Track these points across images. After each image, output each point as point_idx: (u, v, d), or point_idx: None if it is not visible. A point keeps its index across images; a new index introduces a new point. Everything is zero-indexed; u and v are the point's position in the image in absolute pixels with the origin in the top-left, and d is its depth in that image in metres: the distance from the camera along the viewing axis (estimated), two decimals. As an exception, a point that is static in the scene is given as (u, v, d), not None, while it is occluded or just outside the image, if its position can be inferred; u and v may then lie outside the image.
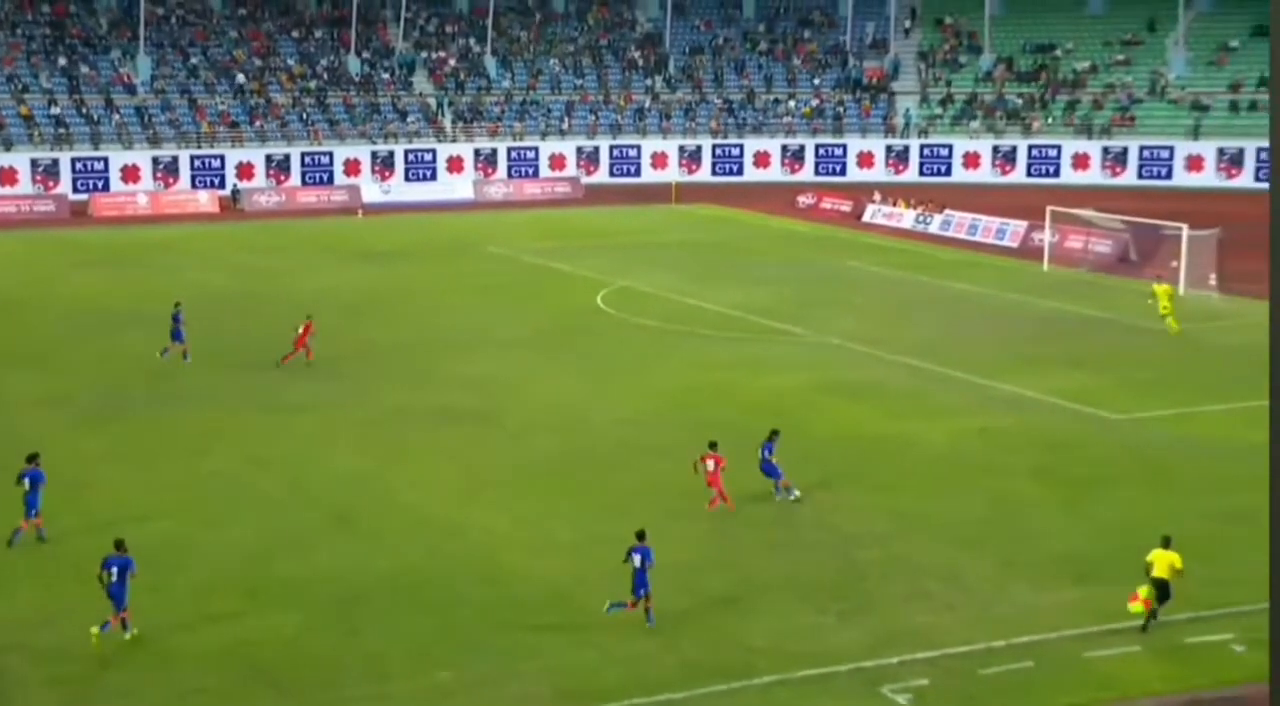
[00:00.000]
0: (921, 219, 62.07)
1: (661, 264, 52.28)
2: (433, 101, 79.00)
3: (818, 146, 78.59)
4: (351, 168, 73.57)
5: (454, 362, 36.81)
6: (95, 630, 19.43)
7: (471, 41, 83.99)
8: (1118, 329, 40.86)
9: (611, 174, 77.75)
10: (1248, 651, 19.55)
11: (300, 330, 36.02)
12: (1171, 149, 73.77)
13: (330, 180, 73.04)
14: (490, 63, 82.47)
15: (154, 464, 28.09)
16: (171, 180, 70.93)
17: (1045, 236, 53.23)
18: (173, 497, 25.89)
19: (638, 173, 77.93)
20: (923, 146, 77.82)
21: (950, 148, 77.42)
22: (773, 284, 48.07)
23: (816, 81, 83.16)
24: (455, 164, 75.32)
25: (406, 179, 74.21)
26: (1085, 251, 52.60)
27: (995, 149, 76.69)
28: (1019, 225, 57.48)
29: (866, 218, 64.82)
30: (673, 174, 76.58)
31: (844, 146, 78.51)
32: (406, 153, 74.71)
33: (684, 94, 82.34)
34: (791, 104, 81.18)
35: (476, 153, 75.91)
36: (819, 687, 18.58)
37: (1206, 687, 18.65)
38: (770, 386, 34.02)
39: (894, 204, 64.63)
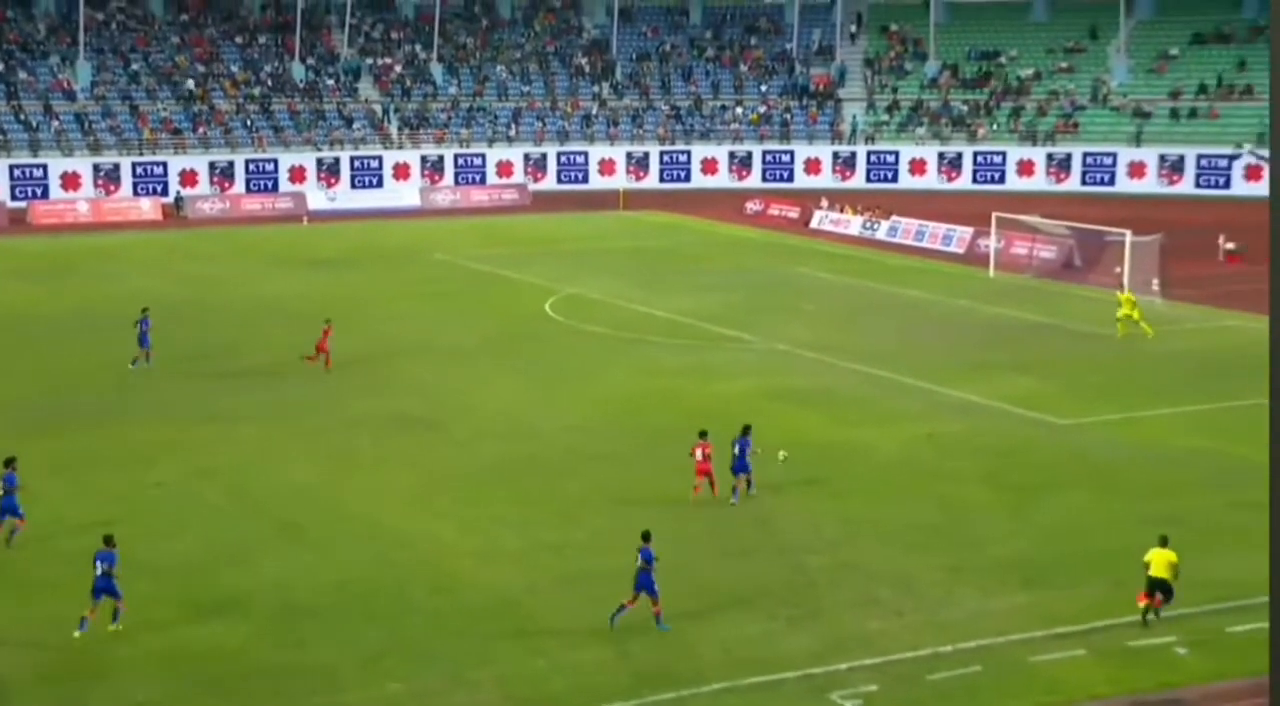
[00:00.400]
0: (868, 225, 62.50)
1: (610, 271, 52.34)
2: (379, 108, 78.71)
3: (765, 153, 78.96)
4: (297, 175, 73.18)
5: (402, 370, 36.69)
6: (112, 627, 20.17)
7: (417, 48, 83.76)
8: (1063, 334, 41.32)
9: (559, 180, 77.76)
10: (1190, 654, 19.85)
11: (321, 334, 36.39)
12: (1114, 155, 74.71)
13: (275, 187, 72.60)
14: (436, 69, 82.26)
15: (97, 475, 27.83)
16: (113, 187, 70.27)
17: (991, 242, 53.75)
18: (116, 509, 25.65)
19: (585, 179, 77.99)
20: (869, 153, 78.37)
21: (896, 154, 78.01)
22: (721, 290, 48.25)
23: (763, 88, 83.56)
24: (401, 171, 75.08)
25: (352, 186, 73.90)
26: (1030, 257, 53.17)
27: (941, 155, 77.36)
28: (965, 231, 58.01)
29: (814, 224, 65.19)
30: (620, 180, 76.69)
31: (791, 153, 78.93)
32: (352, 160, 74.38)
33: (631, 100, 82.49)
34: (739, 111, 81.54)
35: (423, 159, 75.69)
36: (768, 694, 18.70)
37: (1150, 690, 18.91)
38: (719, 393, 34.14)
39: (841, 210, 65.04)
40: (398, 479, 27.65)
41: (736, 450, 26.05)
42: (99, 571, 20.27)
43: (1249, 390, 34.14)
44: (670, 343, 39.99)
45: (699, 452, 26.03)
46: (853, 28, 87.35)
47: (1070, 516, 25.41)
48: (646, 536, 20.89)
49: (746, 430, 26.29)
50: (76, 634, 20.01)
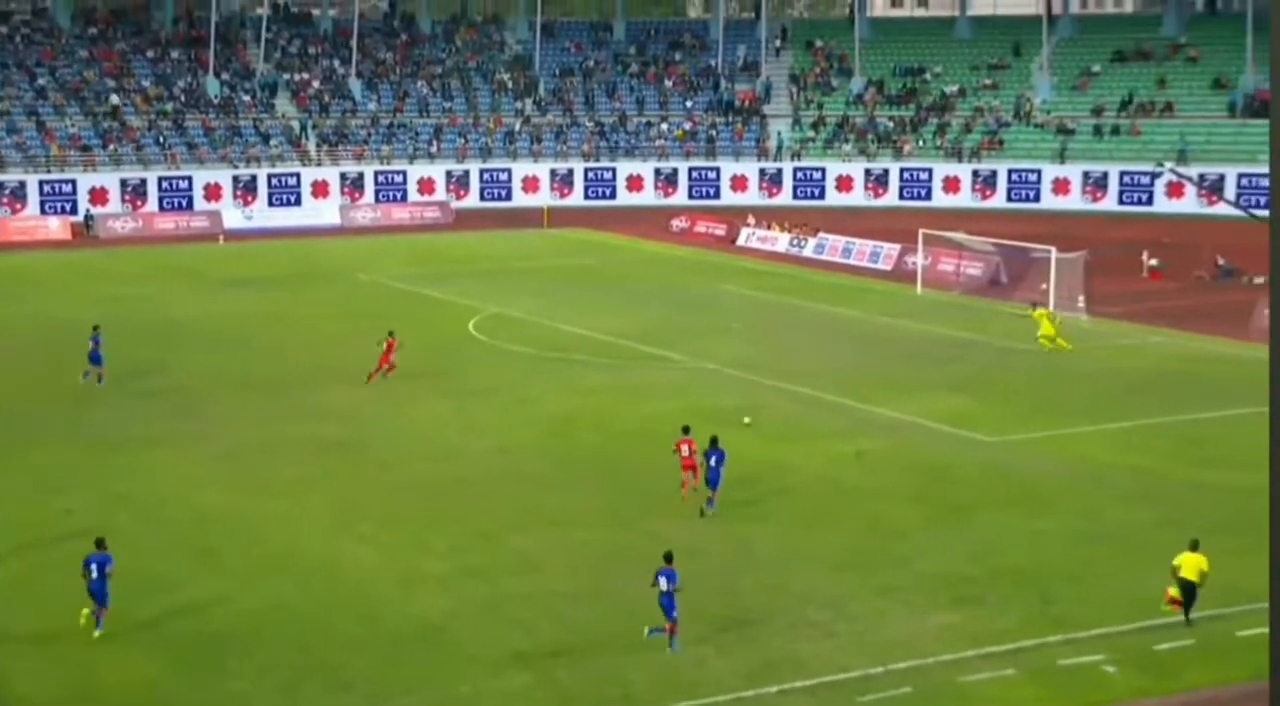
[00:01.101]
0: (796, 242, 62.94)
1: (534, 289, 52.28)
2: (296, 124, 78.13)
3: (691, 170, 79.30)
4: (212, 192, 72.42)
5: (321, 392, 36.39)
6: (85, 612, 21.01)
7: (335, 63, 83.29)
8: (990, 351, 41.83)
9: (482, 198, 77.57)
10: (1118, 672, 20.12)
11: (384, 346, 36.83)
12: (1039, 172, 75.81)
13: (190, 205, 71.79)
14: (355, 85, 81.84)
15: (3, 503, 27.28)
16: (19, 206, 69.12)
17: (918, 259, 54.32)
18: (24, 537, 25.17)
19: (509, 197, 77.88)
20: (796, 169, 78.95)
21: (823, 171, 78.67)
22: (647, 309, 48.34)
23: (689, 104, 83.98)
24: (320, 188, 74.54)
25: (270, 204, 73.24)
26: (957, 274, 53.80)
27: (868, 172, 78.11)
28: (892, 248, 58.59)
29: (741, 241, 65.54)
30: (544, 198, 76.68)
31: (717, 170, 79.34)
32: (270, 177, 73.74)
33: (555, 117, 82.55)
34: (664, 127, 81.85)
35: (342, 177, 75.21)
36: (699, 718, 18.70)
37: (1080, 707, 19.15)
38: (646, 413, 34.18)
39: (768, 227, 65.45)
40: (317, 503, 27.38)
41: (713, 462, 26.44)
42: (93, 575, 21.04)
43: (1174, 407, 34.79)
44: (596, 362, 39.99)
45: (684, 449, 26.92)
46: (777, 42, 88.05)
47: (998, 534, 25.69)
48: (669, 557, 21.08)
49: (715, 441, 26.64)
50: (96, 633, 20.87)
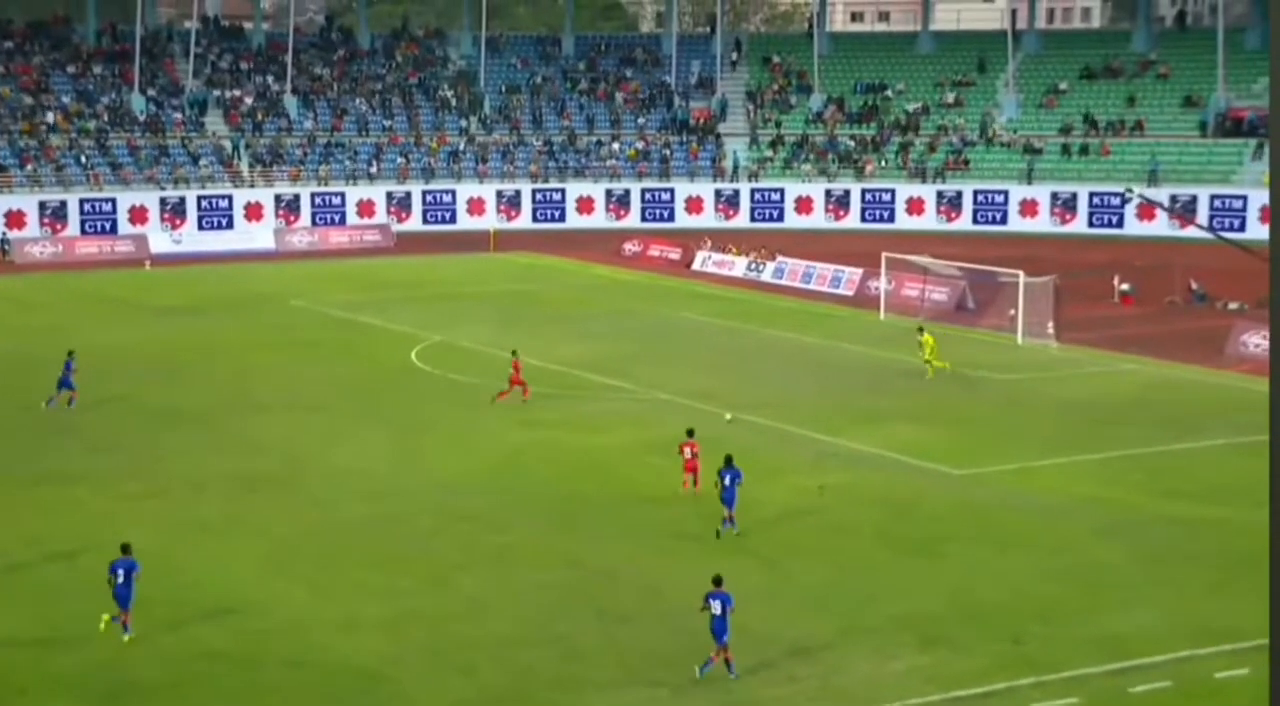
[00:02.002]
0: (754, 266, 63.19)
1: (480, 317, 52.19)
2: (228, 143, 77.78)
3: (644, 191, 79.52)
4: (138, 215, 71.90)
5: (253, 426, 36.13)
6: (106, 617, 22.25)
7: (269, 79, 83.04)
8: (957, 381, 42.05)
9: (425, 221, 77.45)
10: (1094, 713, 20.19)
11: (512, 368, 37.96)
12: (1006, 193, 76.50)
13: (114, 229, 71.23)
14: (290, 102, 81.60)
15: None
16: (-68, 229, 68.37)
17: (881, 284, 54.63)
18: (-65, 583, 24.78)
19: (453, 219, 77.80)
20: (753, 190, 79.33)
21: (782, 192, 79.09)
22: (599, 337, 48.34)
23: (641, 122, 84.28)
24: (254, 211, 74.18)
25: (200, 227, 72.81)
26: (922, 299, 54.13)
27: (828, 193, 78.57)
28: (854, 273, 58.90)
29: (696, 266, 65.72)
30: (490, 220, 76.65)
31: (671, 191, 79.61)
32: (199, 199, 73.33)
33: (501, 135, 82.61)
34: (615, 146, 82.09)
35: (277, 199, 74.90)
36: (655, 768, 18.60)
37: (1054, 752, 19.17)
38: (598, 446, 34.14)
39: (725, 251, 65.68)
40: (249, 544, 27.13)
41: (726, 481, 27.44)
42: (119, 579, 22.30)
43: (1147, 437, 35.09)
44: (545, 393, 39.91)
45: (687, 451, 29.68)
46: (733, 55, 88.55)
47: (967, 571, 25.78)
48: (718, 580, 21.46)
49: (730, 460, 27.74)
50: (126, 638, 22.17)
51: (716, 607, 21.11)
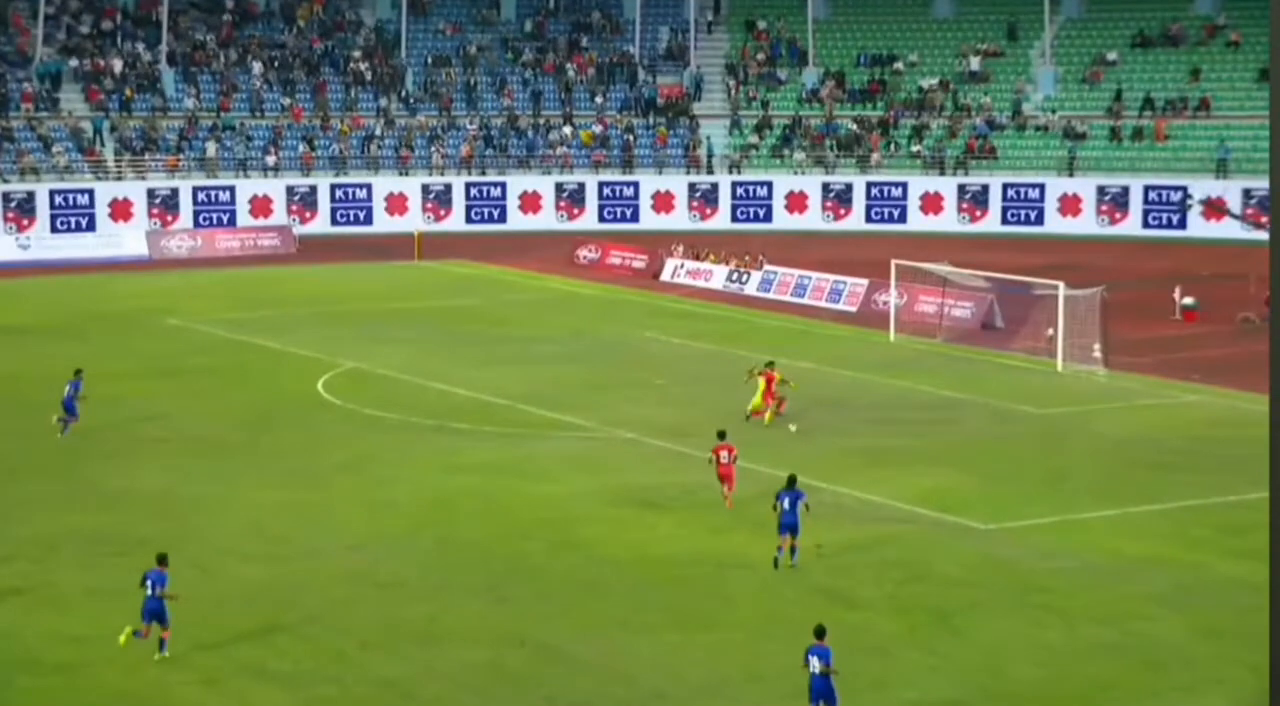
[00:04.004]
0: (735, 276, 63.36)
1: (402, 339, 52.14)
2: (88, 126, 77.56)
3: (602, 185, 79.67)
4: (-22, 214, 71.71)
5: (119, 474, 35.98)
6: (128, 630, 24.87)
7: (140, 47, 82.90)
8: (984, 414, 42.25)
9: (334, 221, 77.38)
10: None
11: (762, 381, 39.73)
12: (1041, 187, 77.01)
13: (-52, 231, 70.98)
14: (167, 75, 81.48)
15: None
16: None
17: (891, 298, 54.85)
18: None
19: (368, 220, 77.76)
20: (735, 184, 79.58)
21: (769, 186, 79.36)
22: (547, 362, 48.36)
23: (598, 101, 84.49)
24: (121, 209, 73.97)
25: (53, 229, 72.60)
26: (940, 316, 54.40)
27: (826, 187, 78.90)
28: (858, 284, 59.10)
29: (666, 276, 65.81)
30: (415, 221, 76.64)
31: (635, 185, 79.78)
32: (52, 195, 73.12)
33: (427, 117, 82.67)
34: (567, 130, 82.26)
35: (150, 194, 74.71)
36: None
37: None
38: (545, 496, 34.14)
39: (700, 258, 65.83)
40: (118, 619, 26.98)
41: (786, 504, 29.05)
42: (151, 592, 24.84)
43: (1215, 484, 35.32)
44: (481, 431, 39.88)
45: (722, 455, 32.47)
46: (710, 18, 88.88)
47: (996, 648, 25.88)
48: (820, 632, 22.34)
49: (792, 481, 29.48)
50: (121, 639, 24.62)
51: (815, 665, 21.94)
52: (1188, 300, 56.38)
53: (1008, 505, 33.82)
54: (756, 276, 62.79)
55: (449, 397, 43.76)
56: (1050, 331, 48.57)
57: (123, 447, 38.36)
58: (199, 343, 51.96)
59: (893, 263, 54.74)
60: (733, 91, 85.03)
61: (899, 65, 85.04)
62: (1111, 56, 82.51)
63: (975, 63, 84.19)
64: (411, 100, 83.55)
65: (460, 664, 25.15)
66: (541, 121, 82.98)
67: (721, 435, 33.16)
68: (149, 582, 25.05)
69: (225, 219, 75.62)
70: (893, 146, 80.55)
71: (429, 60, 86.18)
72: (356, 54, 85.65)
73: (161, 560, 25.41)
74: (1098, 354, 47.77)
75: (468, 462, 36.92)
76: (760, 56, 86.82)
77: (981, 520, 32.70)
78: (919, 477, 35.70)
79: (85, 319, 56.27)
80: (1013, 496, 34.59)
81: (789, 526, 29.10)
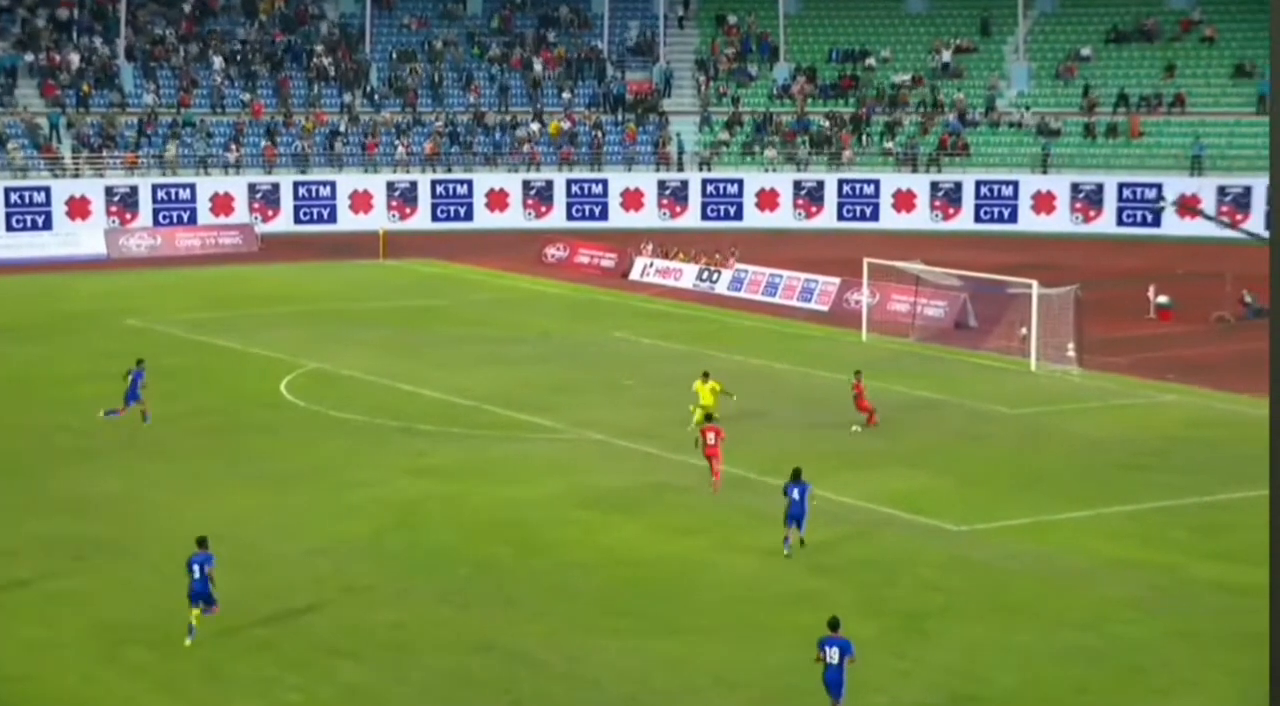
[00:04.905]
0: (706, 276, 63.45)
1: (367, 339, 52.10)
2: (44, 122, 77.27)
3: (570, 182, 79.70)
4: (-69, 212, 71.43)
5: (78, 479, 35.87)
6: (196, 612, 25.71)
7: (97, 41, 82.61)
8: (958, 415, 42.38)
9: (297, 220, 77.25)
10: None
11: (854, 390, 40.20)
12: (1015, 185, 77.30)
13: (-100, 230, 70.71)
14: (126, 70, 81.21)
15: None
16: None
17: (863, 297, 54.98)
18: None
19: (332, 218, 77.64)
20: (705, 182, 79.71)
21: (740, 183, 79.50)
22: (515, 363, 48.37)
23: (566, 97, 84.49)
24: (78, 207, 73.73)
25: (8, 228, 72.40)
26: (913, 316, 54.55)
27: (797, 185, 79.05)
28: (830, 283, 59.25)
29: (635, 275, 65.88)
30: (379, 219, 76.55)
31: (604, 182, 79.82)
32: (8, 192, 72.92)
33: (392, 113, 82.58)
34: (534, 127, 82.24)
35: (109, 192, 74.49)
36: None
37: None
38: (512, 499, 34.15)
39: (670, 257, 65.91)
40: (74, 625, 26.95)
41: (796, 495, 29.97)
42: (195, 575, 25.61)
43: (1191, 485, 35.50)
44: (447, 432, 39.87)
45: (710, 436, 33.54)
46: (680, 13, 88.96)
47: (969, 652, 25.96)
48: (834, 624, 22.68)
49: (798, 474, 30.35)
50: (187, 642, 25.29)
51: (833, 655, 22.07)
52: (1162, 299, 56.64)
53: (981, 506, 33.94)
54: (727, 275, 62.88)
55: (415, 399, 43.73)
56: (1024, 330, 48.75)
57: (81, 451, 38.23)
58: (159, 344, 51.75)
59: (865, 261, 54.88)
60: (703, 87, 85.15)
61: (871, 61, 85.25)
62: (1085, 52, 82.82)
63: (948, 58, 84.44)
64: (376, 96, 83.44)
65: (427, 670, 25.15)
66: (508, 117, 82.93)
67: (709, 417, 35.28)
68: (194, 566, 25.79)
69: (186, 217, 75.43)
70: (864, 139, 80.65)
71: (394, 55, 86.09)
72: (320, 49, 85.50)
73: (201, 543, 26.24)
74: (1072, 353, 47.98)
75: (434, 465, 36.91)
76: (731, 52, 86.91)
77: (954, 522, 32.81)
78: (891, 479, 35.81)
79: (43, 319, 56.11)
80: (986, 498, 34.71)
81: (795, 517, 30.09)
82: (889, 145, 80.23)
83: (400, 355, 49.36)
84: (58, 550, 30.78)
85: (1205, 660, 25.58)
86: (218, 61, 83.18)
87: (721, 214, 79.05)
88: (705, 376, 40.28)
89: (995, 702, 24.08)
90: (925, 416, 42.17)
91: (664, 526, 32.40)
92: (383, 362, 48.13)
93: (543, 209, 79.19)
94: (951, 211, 77.55)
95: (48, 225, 73.05)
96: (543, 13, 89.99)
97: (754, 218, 78.65)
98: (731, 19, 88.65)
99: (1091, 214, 76.01)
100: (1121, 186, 75.54)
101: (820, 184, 78.93)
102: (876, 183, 78.61)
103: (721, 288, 62.57)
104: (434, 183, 79.01)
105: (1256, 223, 70.03)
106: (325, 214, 77.76)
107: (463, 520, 32.86)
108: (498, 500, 34.18)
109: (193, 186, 76.07)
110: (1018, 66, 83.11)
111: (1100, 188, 76.03)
